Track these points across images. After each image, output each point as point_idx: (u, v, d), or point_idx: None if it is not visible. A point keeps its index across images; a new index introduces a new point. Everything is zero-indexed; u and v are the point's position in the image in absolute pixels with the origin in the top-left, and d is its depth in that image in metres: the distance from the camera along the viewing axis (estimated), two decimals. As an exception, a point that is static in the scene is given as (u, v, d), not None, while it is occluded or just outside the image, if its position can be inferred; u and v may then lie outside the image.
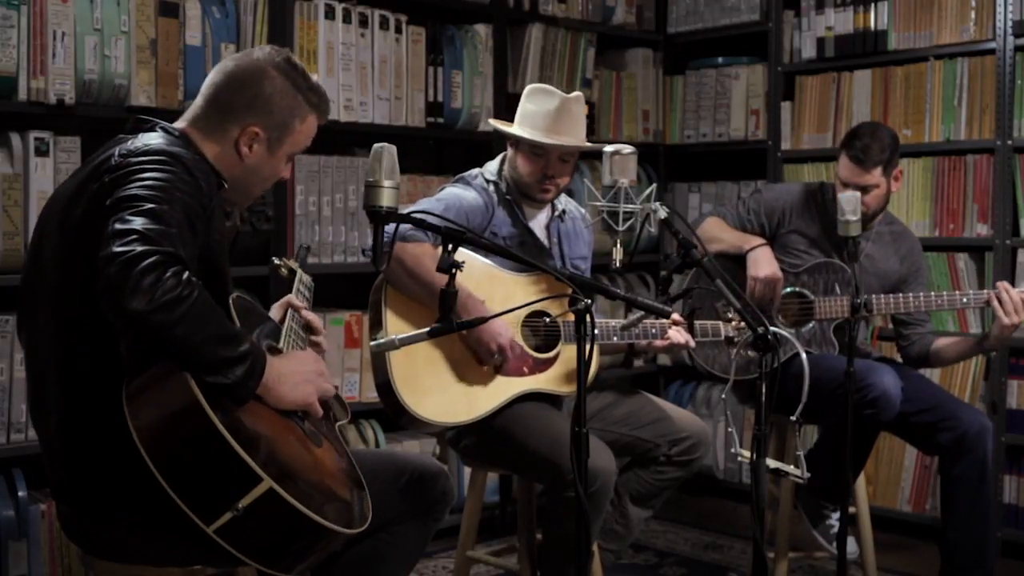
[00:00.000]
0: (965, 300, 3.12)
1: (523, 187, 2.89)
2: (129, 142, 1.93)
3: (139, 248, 1.67)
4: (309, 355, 2.03)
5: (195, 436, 1.72)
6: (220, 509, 1.70)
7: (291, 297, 2.29)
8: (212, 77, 2.08)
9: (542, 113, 2.83)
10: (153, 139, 1.95)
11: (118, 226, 1.71)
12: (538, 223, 2.95)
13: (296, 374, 1.91)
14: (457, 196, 2.84)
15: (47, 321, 1.93)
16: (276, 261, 2.41)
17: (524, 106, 2.89)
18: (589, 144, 2.88)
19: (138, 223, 1.71)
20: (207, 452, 1.71)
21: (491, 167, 2.96)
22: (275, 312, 2.28)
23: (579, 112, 2.86)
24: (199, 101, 2.07)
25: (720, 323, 2.93)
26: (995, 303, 3.03)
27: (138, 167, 1.84)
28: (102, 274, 1.68)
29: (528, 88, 2.91)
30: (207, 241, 1.90)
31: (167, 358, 1.75)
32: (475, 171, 2.97)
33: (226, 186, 2.04)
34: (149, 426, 1.74)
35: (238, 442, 1.71)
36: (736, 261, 3.30)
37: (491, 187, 2.91)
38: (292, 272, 2.37)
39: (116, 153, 1.90)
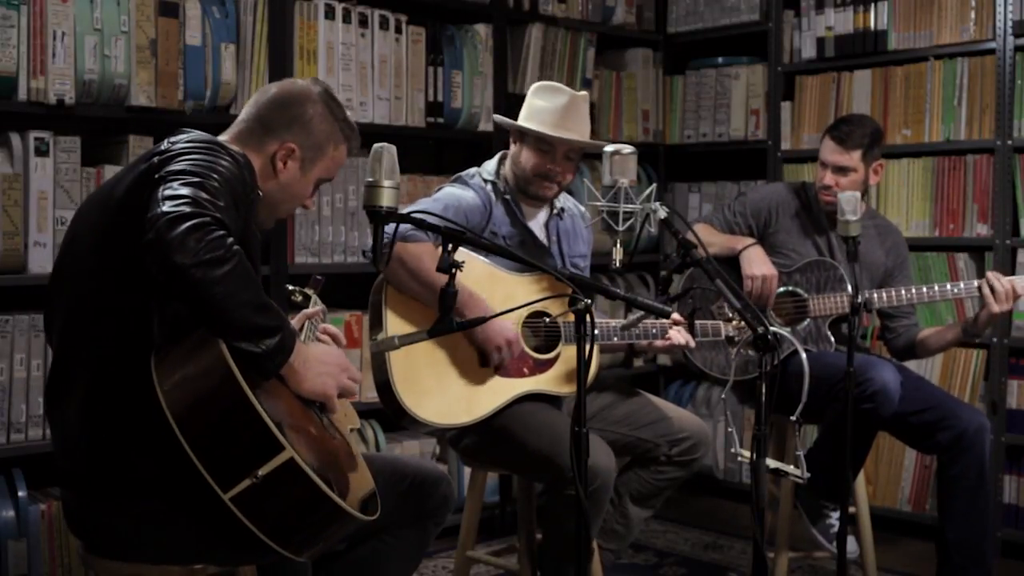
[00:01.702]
0: (956, 290, 3.14)
1: (524, 183, 2.88)
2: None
3: (188, 209, 1.74)
4: (336, 351, 2.08)
5: (222, 400, 1.75)
6: (239, 475, 1.72)
7: (307, 310, 2.37)
8: (256, 98, 2.18)
9: (551, 109, 2.83)
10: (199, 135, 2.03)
11: (168, 192, 1.78)
12: (537, 222, 2.95)
13: (321, 364, 1.95)
14: (455, 196, 2.84)
15: (79, 302, 1.96)
16: (290, 287, 2.50)
17: (532, 102, 2.89)
18: (596, 141, 2.89)
19: (188, 191, 1.78)
20: (233, 417, 1.74)
21: (489, 166, 2.96)
22: (294, 324, 2.33)
23: (586, 111, 2.87)
24: (242, 118, 2.17)
25: (720, 323, 2.93)
26: (985, 290, 3.05)
27: (187, 150, 1.92)
28: (150, 229, 1.74)
29: (536, 85, 2.92)
30: (245, 232, 1.95)
31: (203, 319, 1.79)
32: (472, 170, 2.96)
33: (260, 194, 2.09)
34: (176, 388, 1.77)
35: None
36: (728, 263, 3.31)
37: (489, 186, 2.90)
38: (307, 298, 2.46)
39: (166, 141, 1.98)
